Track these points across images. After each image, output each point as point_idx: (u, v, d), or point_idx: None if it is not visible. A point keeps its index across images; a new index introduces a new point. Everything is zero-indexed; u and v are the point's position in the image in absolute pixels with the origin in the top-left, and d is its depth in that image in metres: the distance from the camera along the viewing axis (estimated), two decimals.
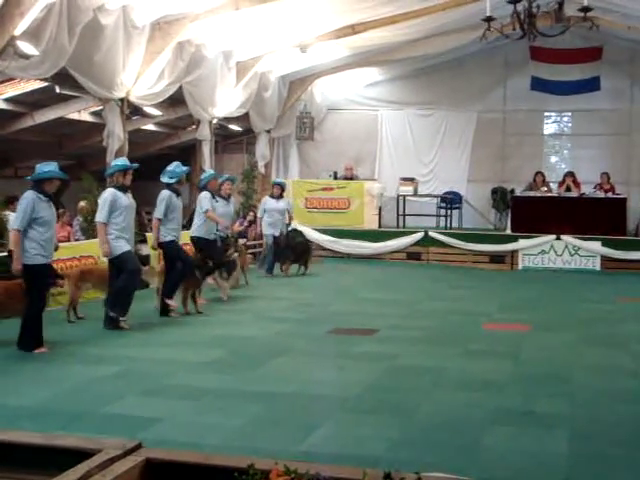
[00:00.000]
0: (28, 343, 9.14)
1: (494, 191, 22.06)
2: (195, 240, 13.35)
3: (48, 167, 9.35)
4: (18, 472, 3.42)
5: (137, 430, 5.99)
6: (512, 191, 21.21)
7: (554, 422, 6.61)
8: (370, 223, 20.93)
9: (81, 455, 3.23)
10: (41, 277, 9.25)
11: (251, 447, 5.70)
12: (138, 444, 3.40)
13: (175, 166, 11.93)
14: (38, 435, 3.73)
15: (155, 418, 6.53)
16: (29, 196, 9.17)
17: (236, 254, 13.92)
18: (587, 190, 20.48)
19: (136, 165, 11.02)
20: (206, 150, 18.45)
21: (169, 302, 11.61)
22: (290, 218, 17.69)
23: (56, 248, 9.70)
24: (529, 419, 6.70)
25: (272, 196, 17.17)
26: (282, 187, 17.49)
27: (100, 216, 10.50)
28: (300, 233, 19.37)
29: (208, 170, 15.03)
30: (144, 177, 20.98)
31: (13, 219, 10.29)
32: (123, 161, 11.00)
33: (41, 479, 3.22)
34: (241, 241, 18.43)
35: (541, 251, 19.30)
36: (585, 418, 6.78)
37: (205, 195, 13.32)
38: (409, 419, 6.70)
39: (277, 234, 16.84)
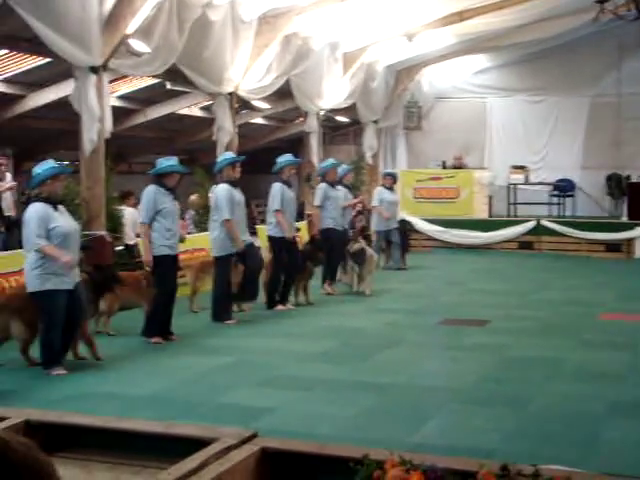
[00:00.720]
0: (151, 330, 9.41)
1: (609, 178, 21.44)
2: (323, 232, 13.30)
3: (169, 162, 9.59)
4: (138, 459, 3.50)
5: (251, 420, 6.07)
6: (628, 177, 20.56)
7: None
8: (480, 212, 20.63)
9: (198, 443, 3.29)
10: (167, 268, 9.46)
11: (364, 438, 5.70)
12: (254, 433, 3.43)
13: (282, 157, 12.05)
14: (158, 424, 3.82)
15: (268, 408, 6.60)
16: (150, 190, 9.42)
17: (360, 246, 13.09)
18: None
19: (242, 157, 11.14)
20: (314, 142, 18.54)
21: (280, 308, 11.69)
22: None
23: (182, 240, 9.93)
24: None
25: (385, 187, 16.79)
26: (394, 178, 17.19)
27: (225, 214, 10.51)
28: (408, 223, 19.08)
29: (328, 159, 14.90)
30: (253, 170, 21.28)
31: (133, 214, 10.59)
32: (230, 155, 11.12)
33: (160, 466, 3.29)
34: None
35: None
36: None
37: (321, 187, 13.41)
38: (523, 411, 6.59)
39: (394, 226, 16.51)
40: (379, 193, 16.70)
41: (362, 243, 13.18)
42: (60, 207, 8.01)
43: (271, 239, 11.83)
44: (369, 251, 13.23)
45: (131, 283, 9.82)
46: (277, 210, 11.67)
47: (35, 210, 7.75)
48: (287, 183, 11.87)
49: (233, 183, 10.73)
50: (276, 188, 11.75)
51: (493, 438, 5.86)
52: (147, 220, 9.37)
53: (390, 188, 16.73)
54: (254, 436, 3.41)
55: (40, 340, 7.88)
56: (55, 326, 7.76)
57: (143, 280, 9.80)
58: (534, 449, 5.56)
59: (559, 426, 6.14)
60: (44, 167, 7.86)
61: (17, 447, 1.33)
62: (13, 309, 8.04)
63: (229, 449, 3.19)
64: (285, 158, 11.79)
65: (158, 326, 9.42)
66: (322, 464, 3.12)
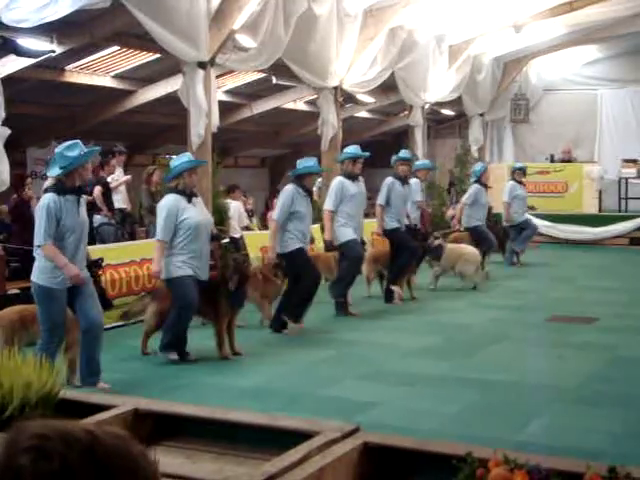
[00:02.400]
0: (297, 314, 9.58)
1: None
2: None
3: (308, 163, 9.73)
4: (242, 450, 3.54)
5: (353, 413, 6.06)
6: None
7: None
8: (589, 207, 20.12)
9: (301, 436, 3.31)
10: (299, 260, 9.57)
11: (467, 435, 5.63)
12: (356, 427, 3.43)
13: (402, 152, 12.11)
14: (263, 416, 3.87)
15: (371, 402, 6.59)
16: (289, 189, 9.52)
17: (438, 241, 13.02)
18: None
19: (367, 154, 11.00)
20: (418, 135, 18.43)
21: (394, 288, 11.60)
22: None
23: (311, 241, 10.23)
24: None
25: (517, 181, 15.98)
26: (525, 172, 16.49)
27: (328, 204, 10.58)
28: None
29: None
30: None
31: (239, 207, 10.65)
32: (354, 149, 10.97)
33: (263, 458, 3.32)
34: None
35: None
36: None
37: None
38: (633, 412, 6.40)
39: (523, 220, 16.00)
40: (512, 188, 15.88)
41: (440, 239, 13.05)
42: (195, 199, 8.13)
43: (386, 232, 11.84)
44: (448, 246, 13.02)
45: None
46: (380, 205, 11.68)
47: (166, 202, 7.98)
48: (400, 178, 11.75)
49: (351, 176, 10.63)
50: (385, 182, 11.76)
51: (601, 439, 5.71)
52: (280, 220, 9.45)
53: (521, 182, 16.14)
54: (356, 430, 3.41)
55: (168, 323, 8.01)
56: (186, 313, 7.94)
57: (259, 275, 9.84)
58: None
59: None
60: (181, 160, 8.01)
61: (107, 441, 1.33)
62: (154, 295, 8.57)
63: (332, 443, 3.20)
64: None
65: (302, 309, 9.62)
66: (424, 460, 3.10)
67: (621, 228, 19.04)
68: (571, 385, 7.20)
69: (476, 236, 14.24)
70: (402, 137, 21.84)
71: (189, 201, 7.95)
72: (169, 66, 13.63)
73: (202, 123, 11.34)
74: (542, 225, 19.60)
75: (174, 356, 8.01)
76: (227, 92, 17.39)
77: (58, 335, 6.81)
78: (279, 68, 14.30)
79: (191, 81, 11.23)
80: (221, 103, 13.05)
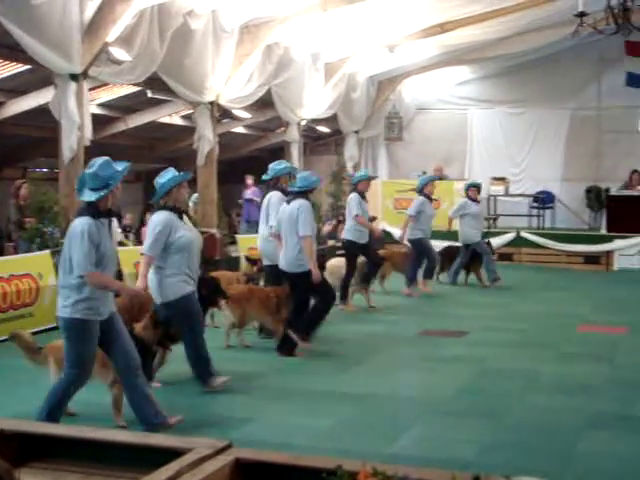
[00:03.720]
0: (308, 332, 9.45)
1: (588, 190, 21.55)
2: (346, 244, 12.96)
3: (313, 178, 9.75)
4: (112, 470, 3.47)
5: (227, 430, 6.06)
6: (607, 190, 20.69)
7: None
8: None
9: (173, 454, 3.26)
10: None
11: (340, 448, 5.70)
12: (228, 444, 3.41)
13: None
14: (132, 434, 3.79)
15: (245, 418, 6.59)
16: (304, 204, 9.32)
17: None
18: None
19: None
20: (295, 152, 18.54)
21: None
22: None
23: None
24: (626, 424, 6.52)
25: (470, 199, 15.61)
26: (479, 189, 16.16)
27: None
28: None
29: (362, 169, 15.12)
30: (234, 180, 21.30)
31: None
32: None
33: (134, 477, 3.26)
34: (330, 242, 18.49)
35: (638, 251, 18.77)
36: None
37: (354, 197, 12.97)
38: (500, 423, 6.60)
39: (477, 239, 15.50)
40: (462, 206, 15.73)
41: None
42: (184, 217, 7.75)
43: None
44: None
45: (260, 298, 9.59)
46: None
47: (161, 217, 7.38)
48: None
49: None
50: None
51: (470, 450, 5.86)
52: (310, 233, 9.26)
53: (475, 200, 15.72)
54: (229, 446, 3.39)
55: (191, 352, 7.54)
56: (200, 327, 7.66)
57: (273, 297, 9.52)
58: (510, 461, 5.57)
59: (536, 438, 6.16)
60: (167, 177, 7.41)
61: None
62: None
63: (203, 459, 3.16)
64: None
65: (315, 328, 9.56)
66: (296, 475, 3.10)
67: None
68: (442, 397, 7.36)
69: (419, 249, 14.18)
70: (278, 153, 21.94)
71: (180, 218, 7.52)
72: (41, 77, 13.27)
73: (74, 136, 11.10)
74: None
75: (220, 380, 7.57)
76: (101, 105, 17.08)
77: (87, 375, 6.15)
78: (154, 82, 14.13)
79: (63, 93, 10.99)
80: (94, 116, 12.79)
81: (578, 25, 12.36)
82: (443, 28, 17.43)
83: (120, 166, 6.11)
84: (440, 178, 21.32)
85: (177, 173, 7.59)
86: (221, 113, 16.04)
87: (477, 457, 5.67)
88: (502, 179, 21.12)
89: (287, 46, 16.31)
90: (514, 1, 16.68)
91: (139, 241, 16.67)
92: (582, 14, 12.19)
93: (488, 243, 15.89)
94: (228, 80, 14.64)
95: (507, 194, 21.06)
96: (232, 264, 14.68)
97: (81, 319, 5.96)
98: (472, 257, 15.46)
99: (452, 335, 10.46)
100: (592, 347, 9.75)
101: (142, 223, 18.76)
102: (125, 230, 18.15)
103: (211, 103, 14.61)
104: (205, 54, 13.72)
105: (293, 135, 18.39)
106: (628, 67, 21.68)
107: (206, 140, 14.62)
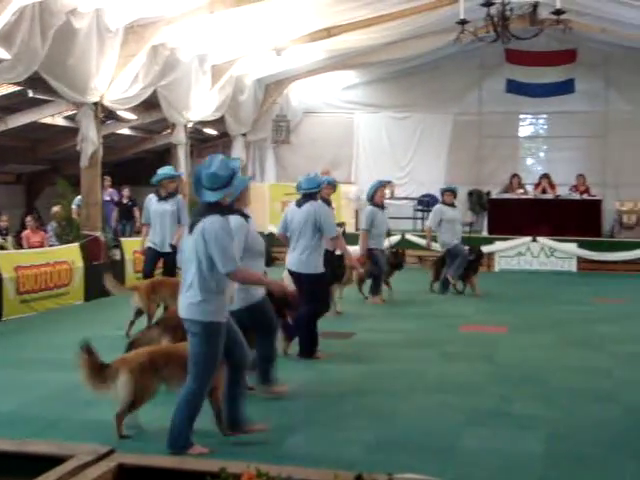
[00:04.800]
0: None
1: (470, 193, 22.13)
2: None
3: (319, 179, 9.87)
4: None
5: (112, 436, 5.94)
6: (488, 193, 21.31)
7: (530, 423, 6.63)
8: (347, 226, 20.88)
9: (53, 461, 3.19)
10: (323, 284, 9.56)
11: (227, 451, 5.70)
12: (111, 449, 3.36)
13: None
14: (9, 442, 3.68)
15: (130, 423, 6.46)
16: (320, 206, 9.45)
17: None
18: (563, 192, 20.61)
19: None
20: (181, 154, 18.37)
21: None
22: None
23: None
24: (505, 420, 6.72)
25: (445, 204, 15.20)
26: (455, 193, 15.64)
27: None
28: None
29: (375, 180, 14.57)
30: (120, 182, 20.95)
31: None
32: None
33: None
34: None
35: (517, 253, 19.39)
36: (561, 419, 6.80)
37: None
38: (386, 422, 6.70)
39: (455, 243, 14.92)
40: (437, 211, 15.18)
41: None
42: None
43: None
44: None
45: None
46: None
47: (237, 221, 6.91)
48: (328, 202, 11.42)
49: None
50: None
51: (356, 449, 5.94)
52: (335, 233, 9.64)
53: (451, 204, 15.20)
54: (111, 452, 3.34)
55: (264, 355, 7.43)
56: (275, 333, 7.74)
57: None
58: (396, 459, 5.66)
59: (420, 436, 6.28)
60: (240, 179, 6.58)
61: None
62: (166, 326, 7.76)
63: (85, 466, 3.11)
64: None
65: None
66: (181, 479, 3.08)
67: None
68: (328, 398, 7.42)
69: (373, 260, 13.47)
70: (165, 155, 21.71)
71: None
72: None
73: None
74: None
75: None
76: None
77: (211, 380, 5.93)
78: (36, 81, 13.78)
79: None
80: None
81: (459, 32, 12.66)
82: (329, 33, 17.61)
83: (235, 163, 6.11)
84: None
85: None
86: (105, 114, 15.77)
87: (363, 456, 5.75)
88: (387, 182, 21.43)
89: (173, 47, 16.15)
90: (398, 8, 16.99)
91: (19, 244, 16.22)
92: (463, 22, 12.50)
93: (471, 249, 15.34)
94: (113, 81, 14.39)
95: (392, 197, 21.40)
96: (117, 268, 14.46)
97: (213, 322, 5.77)
98: (466, 266, 14.88)
99: (339, 337, 10.56)
100: (474, 346, 10.01)
101: (23, 226, 18.23)
102: (2, 233, 17.59)
103: (95, 104, 14.35)
104: (89, 54, 13.45)
105: (179, 137, 18.22)
106: (508, 74, 22.39)
107: (90, 141, 14.33)
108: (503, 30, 12.66)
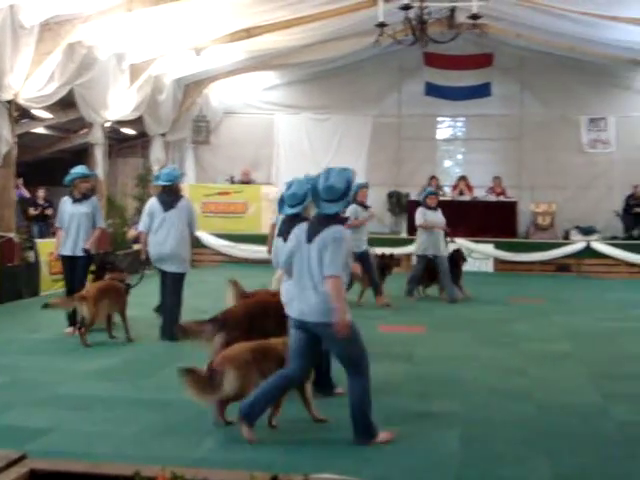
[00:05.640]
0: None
1: (390, 195, 22.34)
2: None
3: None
4: None
5: (25, 441, 5.82)
6: (407, 195, 21.54)
7: (447, 422, 6.72)
8: (267, 227, 20.80)
9: None
10: None
11: (144, 455, 5.63)
12: (22, 455, 3.29)
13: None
14: None
15: (44, 429, 6.35)
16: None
17: None
18: (480, 194, 20.98)
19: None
20: (99, 154, 18.08)
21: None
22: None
23: None
24: (423, 419, 6.79)
25: (428, 207, 14.50)
26: (437, 196, 15.19)
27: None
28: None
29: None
30: (35, 182, 20.55)
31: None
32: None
33: None
34: (136, 246, 18.15)
35: None
36: (477, 417, 6.91)
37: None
38: (305, 423, 6.69)
39: (437, 253, 14.37)
40: (421, 215, 14.52)
41: None
42: None
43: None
44: None
45: None
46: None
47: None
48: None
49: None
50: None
51: (274, 450, 5.93)
52: None
53: (434, 208, 14.59)
54: (23, 458, 3.27)
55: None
56: None
57: None
58: (313, 460, 5.67)
59: (338, 437, 6.29)
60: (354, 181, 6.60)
61: None
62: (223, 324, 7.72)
63: None
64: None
65: None
66: None
67: None
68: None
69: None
70: (82, 155, 21.36)
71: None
72: None
73: None
74: (223, 245, 20.07)
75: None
76: None
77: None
78: None
79: None
80: None
81: (378, 35, 12.77)
82: (249, 33, 17.59)
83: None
84: (248, 182, 21.54)
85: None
86: (20, 113, 15.43)
87: (282, 457, 5.74)
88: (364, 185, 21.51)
89: (91, 45, 15.88)
90: (318, 9, 17.06)
91: None
92: (382, 24, 12.61)
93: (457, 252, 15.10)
94: (27, 78, 14.07)
95: None
96: (31, 270, 14.19)
97: (351, 322, 6.07)
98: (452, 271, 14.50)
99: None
100: (392, 346, 10.09)
101: None
102: None
103: (9, 102, 14.01)
104: (2, 51, 13.11)
105: (97, 137, 17.94)
106: (426, 77, 22.69)
107: (3, 140, 13.98)
108: (421, 33, 12.83)
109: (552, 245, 19.75)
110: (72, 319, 10.64)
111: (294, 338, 6.29)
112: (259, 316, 7.77)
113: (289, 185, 6.43)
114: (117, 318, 10.42)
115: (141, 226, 10.77)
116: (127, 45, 16.96)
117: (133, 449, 5.89)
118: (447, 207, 19.94)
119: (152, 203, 10.69)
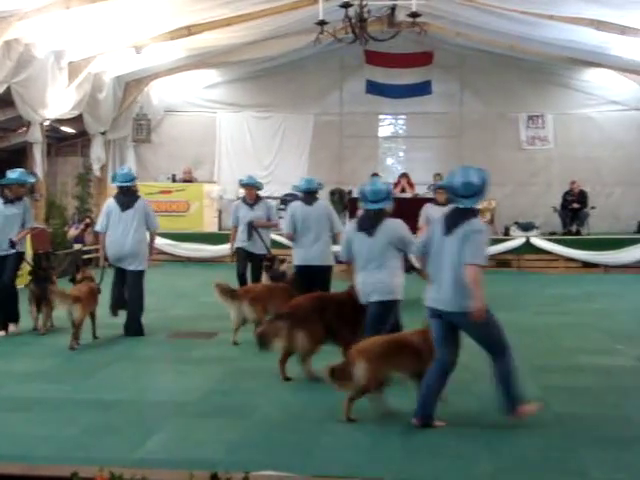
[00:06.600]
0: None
1: (332, 192, 22.38)
2: None
3: (316, 180, 10.86)
4: None
5: None
6: (349, 192, 21.61)
7: (389, 417, 6.77)
8: (210, 226, 20.84)
9: None
10: None
11: (85, 457, 5.57)
12: None
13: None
14: None
15: None
16: (328, 204, 10.58)
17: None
18: (421, 191, 21.13)
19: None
20: (37, 153, 17.82)
21: None
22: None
23: None
24: (366, 415, 6.83)
25: (436, 203, 13.15)
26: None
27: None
28: None
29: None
30: None
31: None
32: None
33: None
34: (77, 246, 17.98)
35: None
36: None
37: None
38: (248, 420, 6.72)
39: None
40: (423, 212, 13.39)
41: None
42: None
43: None
44: None
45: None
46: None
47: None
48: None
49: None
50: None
51: (218, 449, 5.93)
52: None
53: (442, 204, 12.72)
54: None
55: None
56: None
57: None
58: (258, 458, 5.69)
59: (281, 433, 6.34)
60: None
61: None
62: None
63: None
64: None
65: None
66: None
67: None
68: (191, 399, 7.38)
69: None
70: (21, 154, 21.03)
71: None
72: None
73: None
74: (165, 244, 19.91)
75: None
76: None
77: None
78: None
79: None
80: None
81: (319, 33, 12.79)
82: (190, 31, 17.50)
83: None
84: (190, 180, 21.44)
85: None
86: None
87: (225, 456, 5.74)
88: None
89: (28, 43, 15.65)
90: (258, 7, 17.05)
91: None
92: (322, 22, 12.62)
93: None
94: None
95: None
96: None
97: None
98: None
99: (202, 336, 10.51)
100: None
101: None
102: None
103: None
104: None
105: (35, 136, 17.68)
106: (367, 75, 22.82)
107: None
108: (361, 32, 12.86)
109: (492, 241, 19.99)
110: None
111: (434, 327, 6.65)
112: (321, 310, 8.15)
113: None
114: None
115: (98, 227, 10.90)
116: (65, 43, 16.74)
117: (73, 451, 5.83)
118: None
119: (109, 203, 10.83)
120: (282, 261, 12.01)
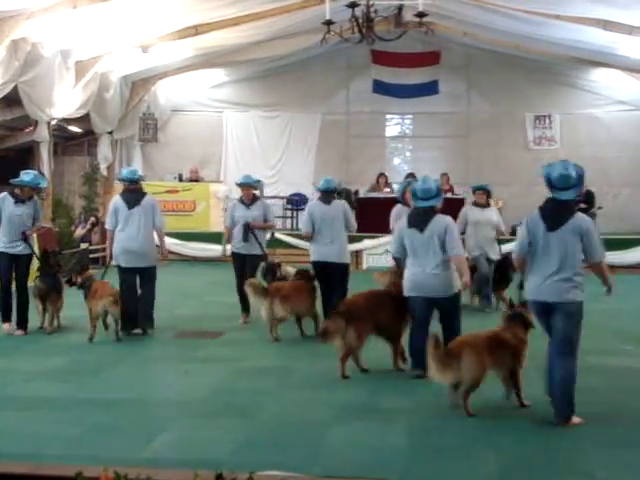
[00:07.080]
0: None
1: (339, 192, 22.32)
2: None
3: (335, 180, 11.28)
4: None
5: None
6: (356, 192, 21.59)
7: (395, 417, 6.76)
8: (216, 225, 20.81)
9: None
10: None
11: (91, 456, 5.56)
12: None
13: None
14: None
15: None
16: (345, 203, 11.05)
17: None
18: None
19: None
20: (44, 152, 17.84)
21: None
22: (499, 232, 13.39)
23: None
24: (372, 415, 6.83)
25: (475, 204, 13.13)
26: (489, 192, 13.34)
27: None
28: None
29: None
30: None
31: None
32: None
33: None
34: (83, 245, 17.99)
35: (385, 251, 19.67)
36: (424, 411, 6.96)
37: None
38: (254, 420, 6.71)
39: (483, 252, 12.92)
40: (465, 214, 13.09)
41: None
42: None
43: None
44: None
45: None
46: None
47: None
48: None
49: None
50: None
51: (224, 449, 5.91)
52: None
53: (482, 205, 13.07)
54: None
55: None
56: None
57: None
58: (264, 458, 5.68)
59: (289, 433, 6.33)
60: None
61: None
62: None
63: None
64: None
65: None
66: None
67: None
68: (197, 399, 7.37)
69: None
70: (28, 153, 21.07)
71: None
72: None
73: None
74: (172, 243, 19.87)
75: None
76: None
77: None
78: None
79: None
80: None
81: (325, 33, 12.77)
82: (197, 30, 17.51)
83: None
84: (196, 179, 21.44)
85: None
86: None
87: (230, 456, 5.73)
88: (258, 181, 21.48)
89: (35, 42, 15.66)
90: (266, 7, 17.05)
91: None
92: (329, 22, 12.60)
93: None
94: None
95: (262, 196, 21.39)
96: None
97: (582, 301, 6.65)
98: (495, 277, 12.91)
99: (207, 336, 10.51)
100: None
101: None
102: None
103: None
104: None
105: (42, 135, 17.71)
106: (374, 75, 22.79)
107: None
108: (368, 31, 12.85)
109: (499, 241, 19.89)
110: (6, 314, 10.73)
111: (540, 322, 6.86)
112: (376, 307, 8.40)
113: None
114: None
115: (108, 224, 10.91)
116: (73, 42, 16.75)
117: (80, 450, 5.84)
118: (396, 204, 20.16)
119: (115, 201, 10.86)
120: (279, 265, 12.00)
